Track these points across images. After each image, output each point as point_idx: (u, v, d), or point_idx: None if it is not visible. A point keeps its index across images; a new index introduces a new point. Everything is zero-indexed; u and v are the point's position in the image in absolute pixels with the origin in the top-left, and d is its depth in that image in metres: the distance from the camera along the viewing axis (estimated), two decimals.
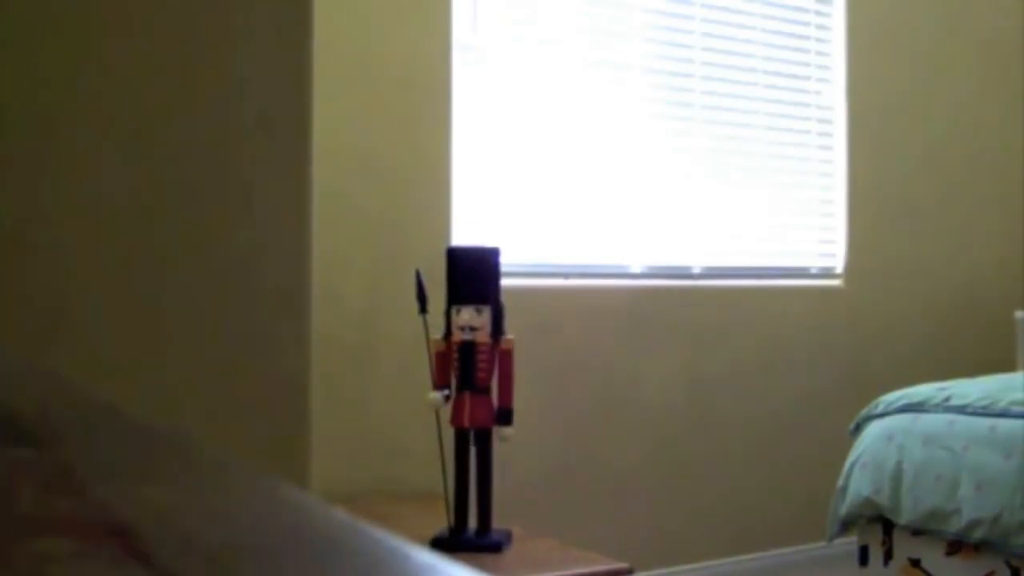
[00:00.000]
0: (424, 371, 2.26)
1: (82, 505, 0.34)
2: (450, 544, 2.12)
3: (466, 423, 2.16)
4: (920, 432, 2.82)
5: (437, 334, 2.18)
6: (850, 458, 2.99)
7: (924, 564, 2.81)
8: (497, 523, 2.18)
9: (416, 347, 2.38)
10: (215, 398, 1.24)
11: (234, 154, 1.29)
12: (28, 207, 1.19)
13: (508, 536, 2.18)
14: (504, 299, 2.18)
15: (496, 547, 2.11)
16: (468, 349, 2.15)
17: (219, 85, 1.29)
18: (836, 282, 3.68)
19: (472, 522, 2.17)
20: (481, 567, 1.89)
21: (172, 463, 0.44)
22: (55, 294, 1.19)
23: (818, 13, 3.68)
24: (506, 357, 2.16)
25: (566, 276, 3.12)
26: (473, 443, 2.16)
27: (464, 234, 2.88)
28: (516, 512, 2.34)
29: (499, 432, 2.15)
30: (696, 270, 3.36)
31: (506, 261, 2.23)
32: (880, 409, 2.99)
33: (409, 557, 0.29)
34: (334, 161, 2.66)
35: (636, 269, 3.25)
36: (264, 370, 1.28)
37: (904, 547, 2.85)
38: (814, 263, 3.65)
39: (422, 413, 2.56)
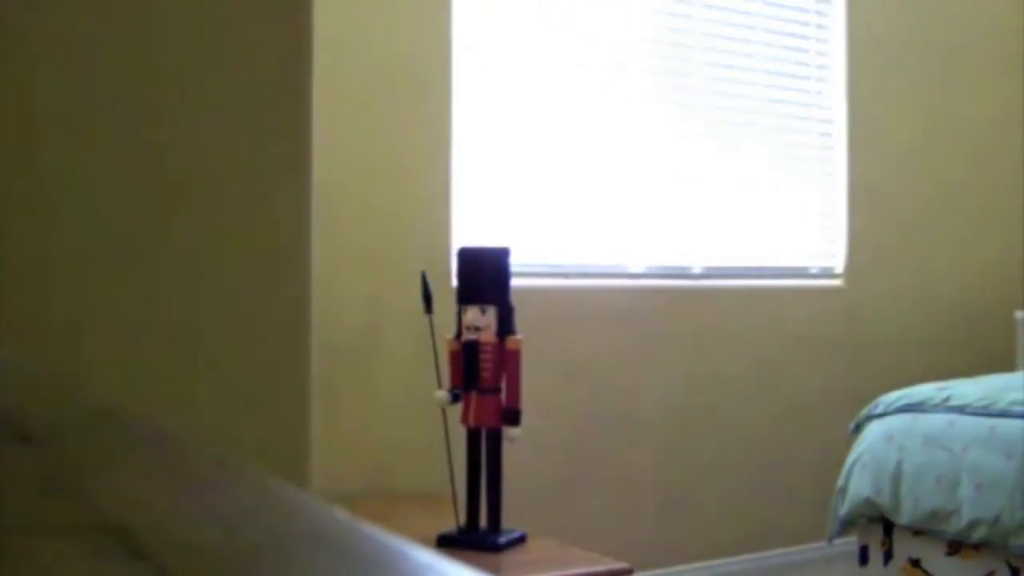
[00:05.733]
0: (425, 371, 2.26)
1: (82, 505, 0.34)
2: (450, 543, 2.13)
3: (471, 422, 2.16)
4: (920, 432, 2.82)
5: (449, 334, 2.19)
6: (850, 458, 2.99)
7: (924, 564, 2.81)
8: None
9: (417, 347, 2.38)
10: (215, 398, 1.24)
11: (233, 154, 1.29)
12: (27, 208, 1.19)
13: (521, 538, 2.17)
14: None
15: (495, 547, 2.11)
16: (472, 349, 2.15)
17: (218, 85, 1.29)
18: (836, 282, 3.68)
19: (481, 522, 2.17)
20: (482, 567, 1.89)
21: (172, 462, 0.44)
22: (53, 294, 1.19)
23: (818, 13, 3.68)
24: (512, 357, 2.16)
25: (566, 276, 3.12)
26: (483, 443, 2.16)
27: (465, 234, 2.88)
28: (516, 511, 2.34)
29: (506, 433, 2.15)
30: (696, 270, 3.36)
31: None
32: (880, 409, 2.99)
33: (408, 556, 0.29)
34: (334, 161, 2.65)
35: (636, 269, 3.24)
36: (264, 370, 1.28)
37: (904, 547, 2.85)
38: (814, 263, 3.65)
39: (423, 413, 2.56)
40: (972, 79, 4.03)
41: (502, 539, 2.12)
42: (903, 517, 2.80)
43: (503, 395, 2.16)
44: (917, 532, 2.80)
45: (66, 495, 0.36)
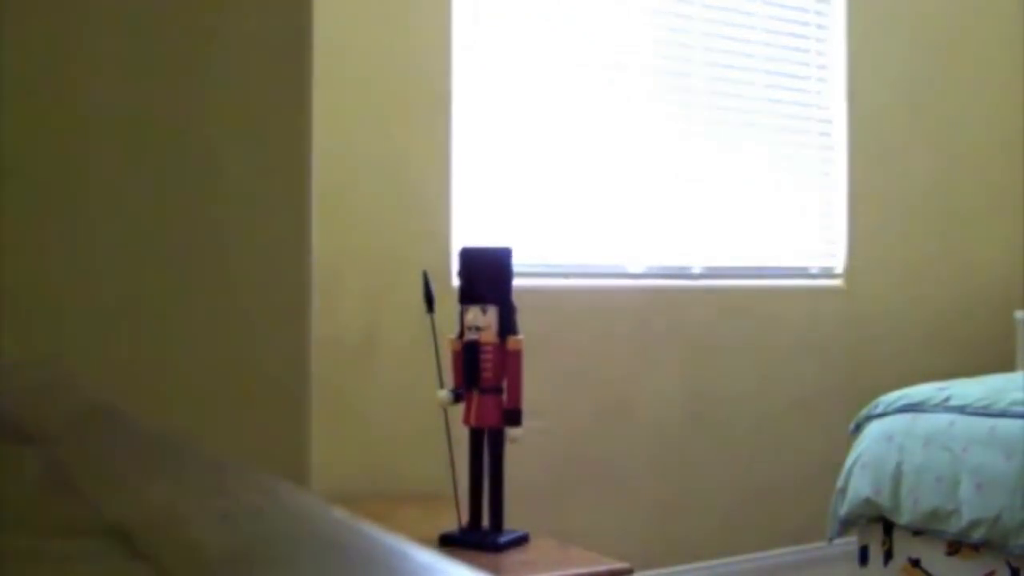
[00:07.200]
0: (426, 371, 2.26)
1: (82, 505, 0.34)
2: (452, 543, 2.13)
3: (473, 422, 2.16)
4: (920, 432, 2.82)
5: (451, 334, 2.19)
6: (850, 458, 2.99)
7: (924, 564, 2.81)
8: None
9: (417, 347, 2.38)
10: (215, 398, 1.24)
11: (233, 154, 1.29)
12: (27, 209, 1.19)
13: (523, 538, 2.18)
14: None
15: (496, 547, 2.11)
16: (472, 349, 2.15)
17: (218, 85, 1.29)
18: (836, 282, 3.68)
19: (483, 522, 2.17)
20: (483, 566, 1.89)
21: (172, 463, 0.44)
22: (54, 295, 1.19)
23: (818, 13, 3.68)
24: (513, 357, 2.15)
25: (566, 276, 3.12)
26: (485, 443, 2.17)
27: (465, 234, 2.88)
28: (518, 511, 2.34)
29: (508, 433, 2.15)
30: (696, 270, 3.36)
31: None
32: (880, 409, 2.99)
33: (409, 556, 0.29)
34: (334, 161, 2.65)
35: (636, 269, 3.24)
36: (264, 370, 1.28)
37: (904, 547, 2.85)
38: (814, 263, 3.65)
39: (423, 413, 2.56)
40: (971, 79, 4.03)
41: (503, 539, 2.13)
42: (903, 517, 2.80)
43: (504, 395, 2.16)
44: (917, 532, 2.80)
45: (66, 495, 0.36)
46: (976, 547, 2.66)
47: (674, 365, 3.26)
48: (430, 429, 2.40)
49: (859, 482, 2.91)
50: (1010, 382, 2.95)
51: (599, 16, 3.18)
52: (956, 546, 2.72)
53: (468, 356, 2.15)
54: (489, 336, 2.15)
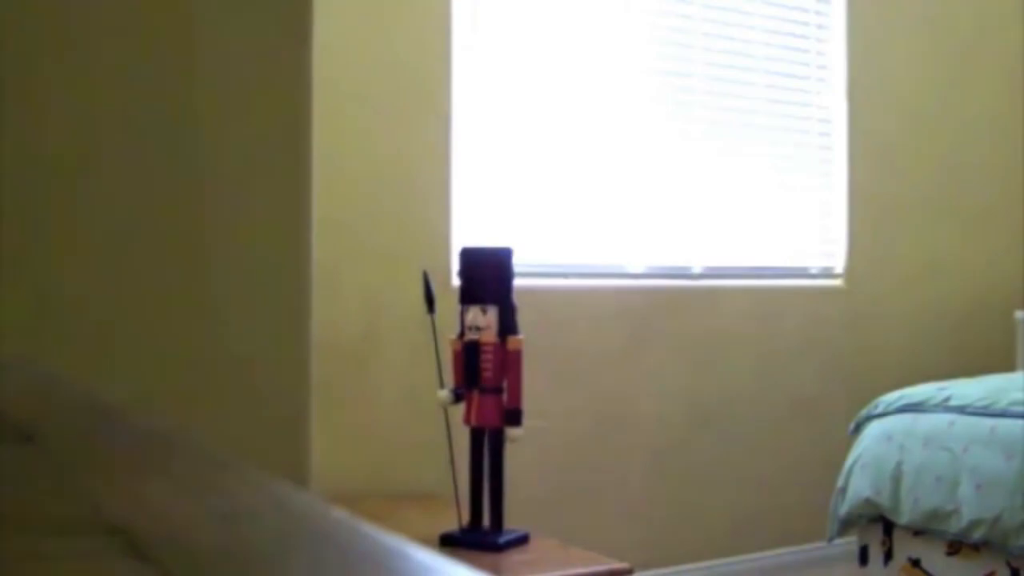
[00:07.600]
0: (426, 371, 2.26)
1: (82, 505, 0.34)
2: (452, 543, 2.13)
3: (473, 422, 2.16)
4: (920, 432, 2.82)
5: (451, 334, 2.19)
6: (850, 458, 2.99)
7: (924, 564, 2.81)
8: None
9: (417, 347, 2.38)
10: (215, 398, 1.24)
11: (233, 154, 1.29)
12: (27, 208, 1.19)
13: (523, 537, 2.18)
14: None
15: (496, 546, 2.11)
16: (472, 349, 2.15)
17: (218, 85, 1.29)
18: (836, 282, 3.68)
19: (484, 522, 2.17)
20: (483, 566, 1.89)
21: (172, 462, 0.44)
22: (54, 294, 1.19)
23: (818, 13, 3.68)
24: (513, 357, 2.16)
25: (566, 276, 3.12)
26: (485, 442, 2.17)
27: (465, 234, 2.88)
28: (519, 511, 2.34)
29: (508, 433, 2.15)
30: (696, 270, 3.36)
31: None
32: (880, 409, 2.99)
33: (408, 556, 0.29)
34: (334, 161, 2.65)
35: (636, 269, 3.24)
36: (264, 370, 1.28)
37: (904, 547, 2.85)
38: (814, 263, 3.65)
39: (424, 413, 2.56)
40: (972, 79, 4.03)
41: (503, 539, 2.13)
42: (903, 517, 2.80)
43: (505, 395, 2.16)
44: (917, 532, 2.80)
45: (66, 495, 0.36)
46: (976, 547, 2.66)
47: (674, 365, 3.26)
48: (430, 429, 2.40)
49: (859, 482, 2.91)
50: (1010, 382, 2.95)
51: (599, 16, 3.18)
52: (956, 546, 2.72)
53: (468, 356, 2.15)
54: (489, 336, 2.15)
